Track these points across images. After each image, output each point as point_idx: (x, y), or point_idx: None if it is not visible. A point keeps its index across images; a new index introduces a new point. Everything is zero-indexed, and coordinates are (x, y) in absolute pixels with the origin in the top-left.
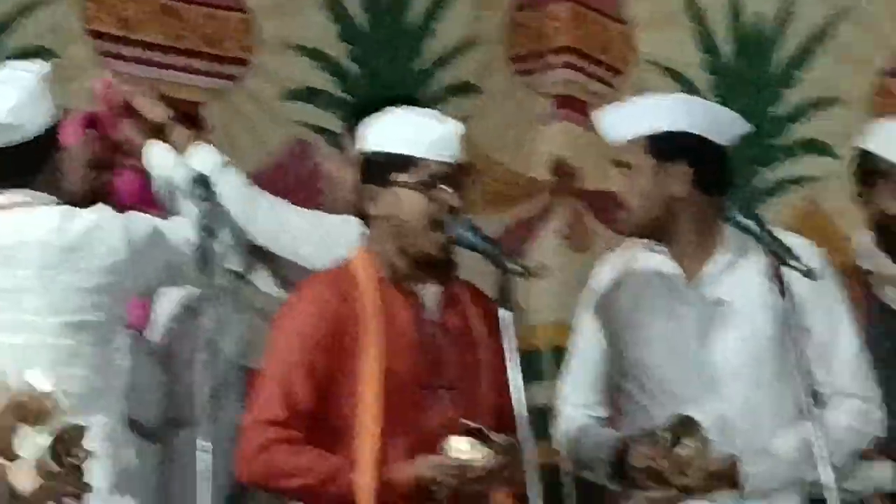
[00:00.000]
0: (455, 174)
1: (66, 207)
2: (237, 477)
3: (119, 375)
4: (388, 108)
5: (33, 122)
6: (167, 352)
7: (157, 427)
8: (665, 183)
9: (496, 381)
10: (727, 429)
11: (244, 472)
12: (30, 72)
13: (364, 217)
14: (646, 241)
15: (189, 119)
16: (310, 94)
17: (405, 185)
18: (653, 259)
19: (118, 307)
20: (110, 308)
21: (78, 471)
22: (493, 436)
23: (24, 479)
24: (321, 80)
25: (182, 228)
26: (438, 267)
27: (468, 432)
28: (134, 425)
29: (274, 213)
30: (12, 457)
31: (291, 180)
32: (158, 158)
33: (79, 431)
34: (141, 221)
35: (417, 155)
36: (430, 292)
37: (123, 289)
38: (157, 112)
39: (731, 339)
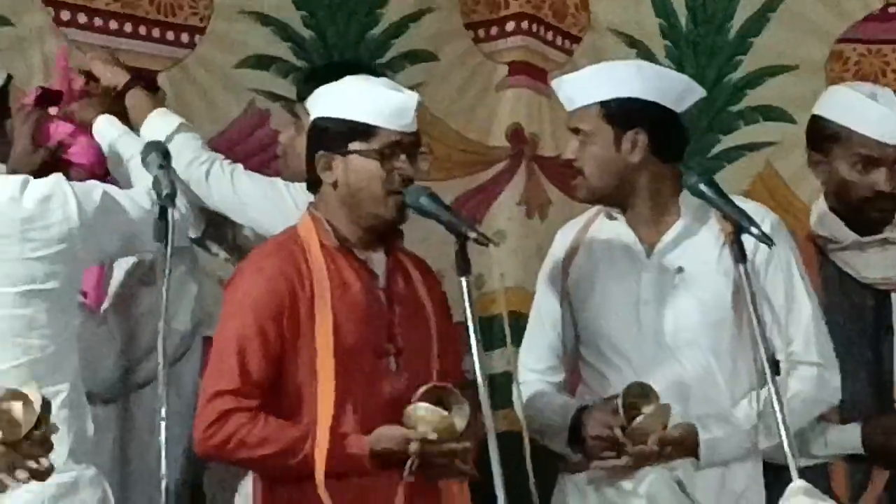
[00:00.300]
0: (410, 144)
1: (20, 177)
2: (196, 448)
3: (75, 343)
4: (346, 76)
5: None
6: (116, 319)
7: (111, 395)
8: (621, 150)
9: (443, 347)
10: (684, 396)
11: (201, 443)
12: None
13: (314, 184)
14: (604, 207)
15: (147, 84)
16: (265, 62)
17: (362, 153)
18: (610, 226)
19: (73, 275)
20: (65, 276)
21: (43, 444)
22: (455, 398)
23: None
24: (276, 48)
25: (138, 196)
26: (385, 235)
27: (434, 391)
28: (89, 395)
29: (226, 177)
30: None
31: (247, 148)
32: (108, 131)
33: (47, 408)
34: (93, 190)
35: (376, 124)
36: (378, 260)
37: (77, 258)
38: (115, 77)
39: (688, 306)
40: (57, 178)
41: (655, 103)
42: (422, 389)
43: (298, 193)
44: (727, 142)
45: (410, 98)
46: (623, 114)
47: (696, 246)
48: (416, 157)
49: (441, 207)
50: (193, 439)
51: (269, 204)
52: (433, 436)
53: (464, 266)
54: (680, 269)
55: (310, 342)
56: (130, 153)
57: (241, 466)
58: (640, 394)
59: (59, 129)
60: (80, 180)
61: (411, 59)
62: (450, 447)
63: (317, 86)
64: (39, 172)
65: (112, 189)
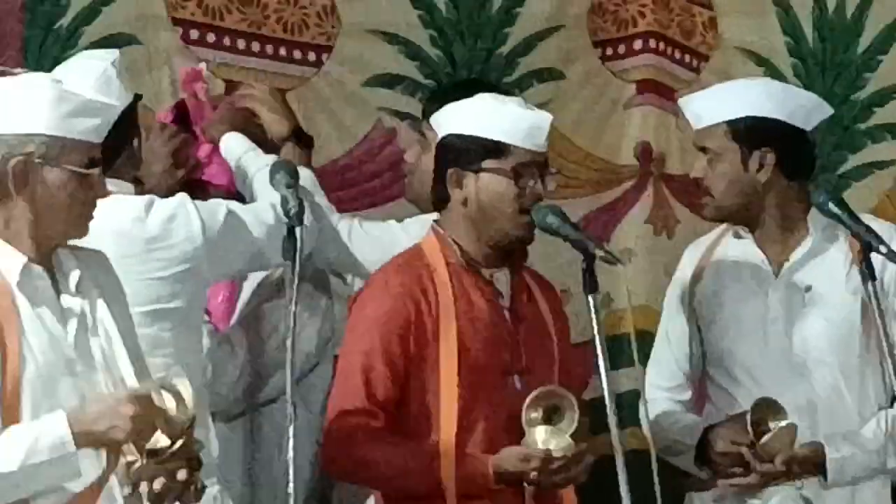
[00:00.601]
0: (541, 164)
1: (146, 198)
2: (322, 468)
3: (201, 361)
4: (478, 94)
5: None
6: (243, 336)
7: (235, 412)
8: (748, 169)
9: (565, 366)
10: (813, 414)
11: (326, 463)
12: (101, 59)
13: (440, 200)
14: (731, 226)
15: (304, 141)
16: (392, 81)
17: (495, 171)
18: (738, 245)
19: (197, 294)
20: (189, 295)
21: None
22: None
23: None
24: (403, 66)
25: (262, 212)
26: (511, 253)
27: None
28: (213, 414)
29: (343, 234)
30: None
31: (374, 167)
32: (235, 147)
33: (192, 420)
34: (218, 209)
35: (510, 142)
36: (502, 278)
37: (201, 277)
38: (280, 129)
39: (817, 325)
40: (181, 197)
41: (783, 122)
42: (534, 393)
43: (413, 229)
44: (855, 160)
45: (544, 118)
46: (751, 133)
47: (825, 264)
48: (546, 177)
49: (569, 226)
50: (321, 457)
51: (385, 257)
52: (558, 454)
53: (591, 284)
54: (808, 288)
55: (435, 361)
56: (256, 168)
57: (366, 486)
58: (767, 410)
59: (199, 150)
60: (206, 193)
61: (539, 78)
62: (566, 465)
63: (442, 104)
64: (177, 192)
65: (236, 206)
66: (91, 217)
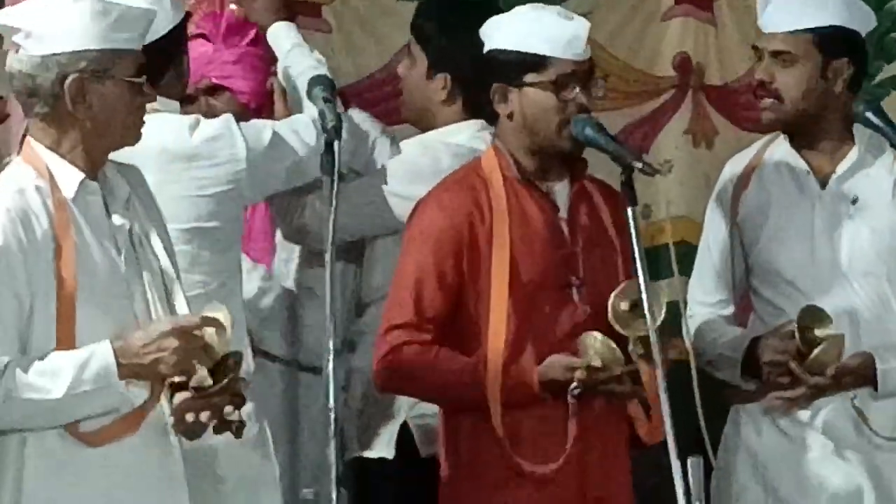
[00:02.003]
0: (584, 72)
1: (192, 117)
2: (373, 380)
3: (238, 283)
4: (517, 7)
5: (157, 22)
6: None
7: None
8: (826, 78)
9: (627, 278)
10: (859, 325)
11: (376, 375)
12: None
13: (492, 115)
14: (774, 139)
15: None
16: None
17: (536, 84)
18: (783, 157)
19: (236, 215)
20: (228, 216)
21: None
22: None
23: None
24: None
25: (303, 129)
26: (568, 164)
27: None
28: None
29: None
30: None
31: None
32: (282, 39)
33: (237, 357)
34: (263, 130)
35: (550, 55)
36: (560, 190)
37: (242, 197)
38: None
39: (864, 235)
40: (227, 119)
41: (858, 33)
42: (623, 284)
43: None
44: (890, 70)
45: (582, 26)
46: (834, 42)
47: (871, 175)
48: (591, 86)
49: (607, 138)
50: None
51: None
52: (598, 363)
53: (630, 196)
54: (855, 199)
55: (487, 275)
56: (300, 70)
57: (415, 398)
58: (813, 317)
59: (224, 54)
60: (240, 108)
61: None
62: (614, 374)
63: (427, 18)
64: (192, 101)
65: (280, 126)
66: (143, 123)
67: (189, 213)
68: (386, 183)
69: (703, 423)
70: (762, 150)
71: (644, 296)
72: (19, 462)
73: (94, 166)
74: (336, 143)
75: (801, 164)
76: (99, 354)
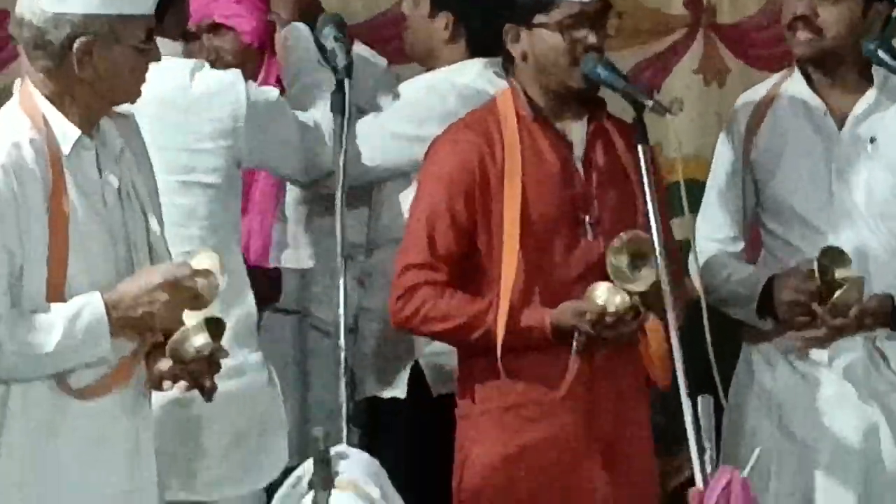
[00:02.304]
0: (595, 12)
1: (193, 62)
2: (390, 315)
3: (236, 241)
4: None
5: None
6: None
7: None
8: (867, 18)
9: (644, 215)
10: (875, 265)
11: (392, 316)
12: None
13: (507, 56)
14: (789, 74)
15: None
16: None
17: (545, 25)
18: (800, 96)
19: (234, 174)
20: (226, 173)
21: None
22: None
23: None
24: None
25: (318, 119)
26: (584, 102)
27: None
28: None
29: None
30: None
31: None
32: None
33: (220, 326)
34: (269, 94)
35: None
36: (577, 129)
37: (240, 157)
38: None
39: (881, 177)
40: (235, 74)
41: None
42: (618, 238)
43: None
44: None
45: None
46: None
47: (888, 117)
48: (603, 26)
49: (617, 76)
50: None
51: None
52: (612, 309)
53: (641, 135)
54: (872, 140)
55: (500, 213)
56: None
57: (429, 337)
58: (833, 259)
59: None
60: (244, 46)
61: None
62: (624, 322)
63: None
64: (195, 39)
65: (288, 103)
66: (144, 81)
67: (186, 164)
68: (392, 125)
69: (713, 362)
70: (776, 87)
71: (655, 234)
72: (1, 410)
73: (91, 122)
74: (346, 82)
75: (818, 102)
76: (89, 306)
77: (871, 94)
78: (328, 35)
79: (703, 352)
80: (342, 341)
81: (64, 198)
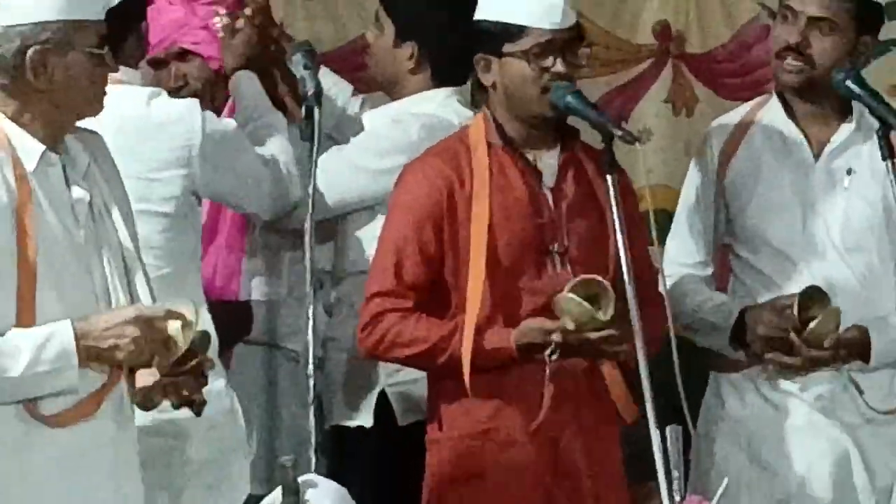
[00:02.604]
0: (564, 42)
1: (151, 90)
2: (357, 344)
3: (195, 271)
4: None
5: None
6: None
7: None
8: (855, 51)
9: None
10: (849, 298)
11: (359, 343)
12: None
13: (480, 84)
14: (770, 100)
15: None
16: None
17: (514, 54)
18: (775, 125)
19: (191, 206)
20: (182, 203)
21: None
22: (602, 287)
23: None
24: None
25: (265, 156)
26: (559, 133)
27: (585, 284)
28: None
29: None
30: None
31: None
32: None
33: (206, 340)
34: (226, 125)
35: (526, 24)
36: (548, 158)
37: (193, 185)
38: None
39: (858, 208)
40: (191, 103)
41: (882, 6)
42: (571, 282)
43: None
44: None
45: None
46: (869, 16)
47: (866, 147)
48: (573, 54)
49: (587, 105)
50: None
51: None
52: (572, 326)
53: (610, 164)
54: (850, 171)
55: (467, 241)
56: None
57: (398, 364)
58: (813, 297)
59: (192, 22)
60: (211, 73)
61: None
62: (591, 336)
63: None
64: (163, 66)
65: (243, 136)
66: (104, 94)
67: (141, 193)
68: (355, 159)
69: (682, 391)
70: (752, 114)
71: (625, 266)
72: None
73: (55, 137)
74: (316, 111)
75: (794, 132)
76: (58, 335)
77: (848, 126)
78: (298, 63)
79: (669, 382)
80: (311, 370)
81: (31, 217)
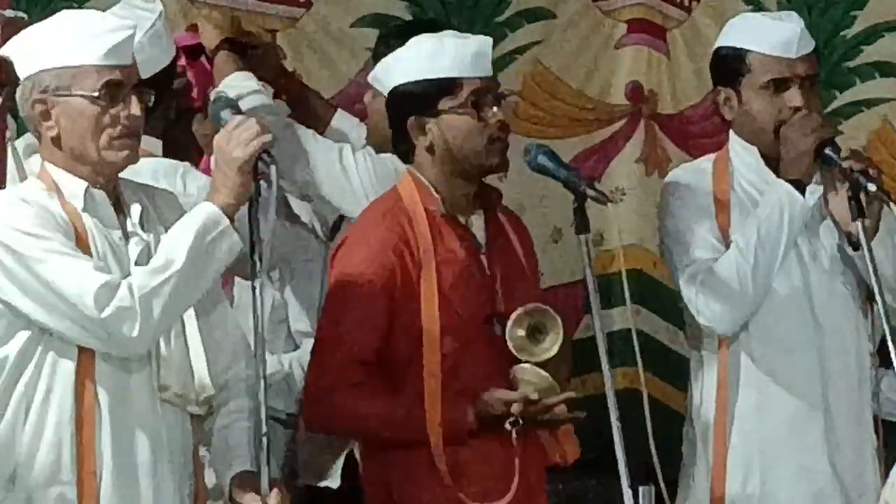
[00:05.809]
0: (492, 89)
1: (179, 164)
2: (304, 420)
3: None
4: (411, 39)
5: (153, 61)
6: None
7: None
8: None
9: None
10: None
11: (306, 416)
12: (149, 10)
13: (406, 152)
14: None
15: (239, 48)
16: (381, 21)
17: (454, 109)
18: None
19: None
20: None
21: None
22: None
23: None
24: (393, 7)
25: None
26: (482, 195)
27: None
28: None
29: (295, 143)
30: None
31: (364, 108)
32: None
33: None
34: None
35: (459, 75)
36: (477, 222)
37: None
38: (208, 37)
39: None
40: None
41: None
42: (517, 312)
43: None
44: (843, 98)
45: (484, 42)
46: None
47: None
48: (501, 101)
49: (559, 166)
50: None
51: (334, 172)
52: (535, 395)
53: (582, 224)
54: (819, 236)
55: (418, 310)
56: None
57: (349, 437)
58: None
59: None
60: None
61: (529, 17)
62: (552, 402)
63: (390, 47)
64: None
65: None
66: (131, 140)
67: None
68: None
69: (654, 451)
70: (724, 174)
71: (597, 325)
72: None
73: (99, 177)
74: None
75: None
76: (200, 208)
77: (816, 188)
78: (224, 117)
79: (645, 441)
80: (265, 429)
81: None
